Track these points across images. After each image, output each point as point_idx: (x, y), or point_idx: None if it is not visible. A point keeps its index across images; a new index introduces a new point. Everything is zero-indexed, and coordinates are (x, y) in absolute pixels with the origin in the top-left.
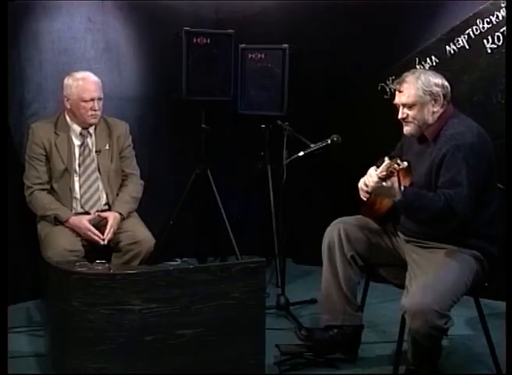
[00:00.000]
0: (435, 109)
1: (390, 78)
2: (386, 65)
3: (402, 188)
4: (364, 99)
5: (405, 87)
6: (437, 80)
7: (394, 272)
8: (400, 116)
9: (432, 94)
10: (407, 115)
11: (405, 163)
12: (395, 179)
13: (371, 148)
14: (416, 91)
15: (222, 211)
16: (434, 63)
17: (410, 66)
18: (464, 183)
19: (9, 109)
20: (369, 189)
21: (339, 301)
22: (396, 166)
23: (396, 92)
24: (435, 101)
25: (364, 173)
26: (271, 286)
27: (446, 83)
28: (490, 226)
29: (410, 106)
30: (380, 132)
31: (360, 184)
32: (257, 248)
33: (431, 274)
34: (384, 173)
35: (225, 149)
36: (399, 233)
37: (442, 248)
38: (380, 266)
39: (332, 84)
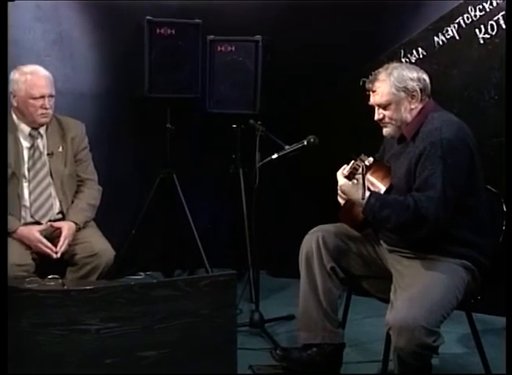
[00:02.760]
0: (413, 106)
1: (373, 73)
2: (368, 58)
3: (367, 194)
4: (344, 96)
5: (377, 85)
6: (412, 73)
7: (378, 284)
8: (376, 118)
9: (406, 90)
10: (384, 115)
11: (370, 159)
12: (360, 178)
13: (352, 150)
14: (389, 88)
15: (190, 219)
16: (421, 56)
17: (394, 60)
18: (437, 185)
19: None
20: (339, 190)
21: (319, 316)
22: (359, 162)
23: (370, 92)
24: (412, 97)
25: None
26: (244, 301)
27: (424, 76)
28: (479, 234)
29: (385, 106)
30: (362, 132)
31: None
32: (228, 259)
33: (417, 286)
34: (349, 171)
35: (193, 151)
36: (381, 241)
37: (429, 258)
38: (363, 278)
39: (310, 80)
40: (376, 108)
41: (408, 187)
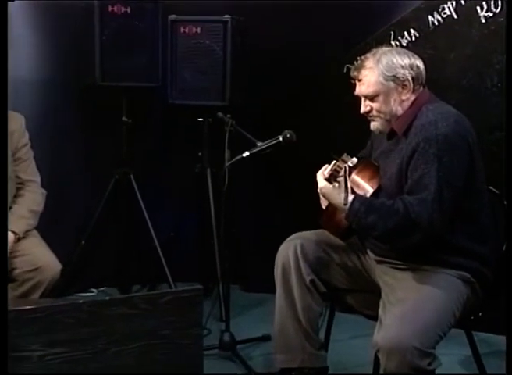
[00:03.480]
0: (404, 97)
1: (359, 59)
2: (354, 42)
3: (350, 198)
4: (327, 85)
5: (364, 74)
6: (403, 60)
7: (365, 299)
8: (362, 110)
9: (396, 79)
10: (371, 108)
11: (354, 159)
12: (342, 181)
13: (335, 147)
14: (377, 77)
15: (150, 226)
16: (413, 38)
17: (384, 43)
18: (431, 186)
19: None
20: (320, 193)
21: (297, 337)
22: (340, 163)
23: (356, 81)
24: (403, 87)
25: None
26: (212, 320)
27: (417, 63)
28: (480, 241)
29: (372, 97)
30: (347, 126)
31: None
32: (194, 272)
33: (409, 302)
34: (329, 173)
35: (153, 148)
36: (368, 251)
37: (423, 270)
38: (347, 293)
39: (287, 67)
40: (362, 99)
41: (400, 188)
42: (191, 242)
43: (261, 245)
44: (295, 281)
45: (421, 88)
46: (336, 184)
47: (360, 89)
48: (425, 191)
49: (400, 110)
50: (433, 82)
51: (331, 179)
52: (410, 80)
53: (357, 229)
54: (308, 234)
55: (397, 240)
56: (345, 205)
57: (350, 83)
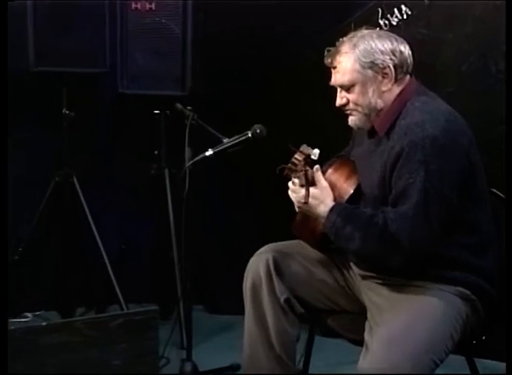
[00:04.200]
0: (385, 88)
1: (341, 40)
2: (336, 21)
3: (330, 204)
4: (304, 72)
5: (339, 60)
6: (383, 44)
7: (348, 321)
8: (337, 103)
9: (375, 66)
10: (347, 100)
11: (316, 151)
12: (302, 177)
13: (314, 144)
14: (352, 64)
15: (98, 238)
16: (405, 16)
17: (370, 22)
18: (413, 198)
19: None
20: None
21: (270, 365)
22: (298, 155)
23: (331, 69)
24: (384, 75)
25: None
26: (171, 347)
27: (401, 47)
28: (481, 253)
29: (348, 88)
30: (328, 121)
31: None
32: (150, 292)
33: (399, 323)
34: (286, 168)
35: (100, 146)
36: (352, 265)
37: (415, 286)
38: (328, 314)
39: (257, 51)
40: (338, 90)
41: (382, 197)
42: (146, 256)
43: (229, 259)
44: (267, 301)
45: (407, 78)
46: (296, 181)
47: (335, 78)
48: (407, 204)
49: (380, 103)
50: (428, 68)
51: (288, 175)
52: (392, 68)
53: (334, 241)
54: (282, 246)
55: (374, 259)
56: (305, 203)
57: (331, 72)
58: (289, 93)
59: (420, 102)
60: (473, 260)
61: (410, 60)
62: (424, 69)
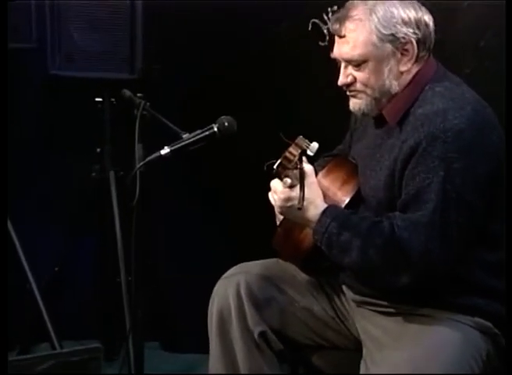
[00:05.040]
0: (405, 68)
1: (330, 10)
2: None
3: (321, 206)
4: (283, 50)
5: (349, 28)
6: (407, 12)
7: (339, 360)
8: (341, 81)
9: (396, 40)
10: (354, 79)
11: (314, 144)
12: (296, 175)
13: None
14: (367, 35)
15: (22, 257)
16: None
17: None
18: (430, 203)
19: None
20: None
21: None
22: (293, 148)
23: (336, 38)
24: (404, 52)
25: None
26: None
27: (426, 18)
28: (497, 274)
29: (358, 64)
30: (314, 108)
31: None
32: (91, 325)
33: (402, 363)
34: (278, 164)
35: (26, 142)
36: (344, 288)
37: (422, 315)
38: (313, 350)
39: (225, 24)
40: (343, 64)
41: (389, 202)
42: (86, 281)
43: (191, 283)
44: (238, 334)
45: (427, 57)
46: (288, 180)
47: (341, 49)
48: (421, 210)
49: (395, 86)
50: (438, 44)
51: (280, 173)
52: (415, 44)
53: (327, 253)
54: (257, 266)
55: (375, 277)
56: (299, 209)
57: (317, 49)
58: (264, 77)
59: (441, 87)
60: (496, 283)
61: (433, 35)
62: (434, 46)
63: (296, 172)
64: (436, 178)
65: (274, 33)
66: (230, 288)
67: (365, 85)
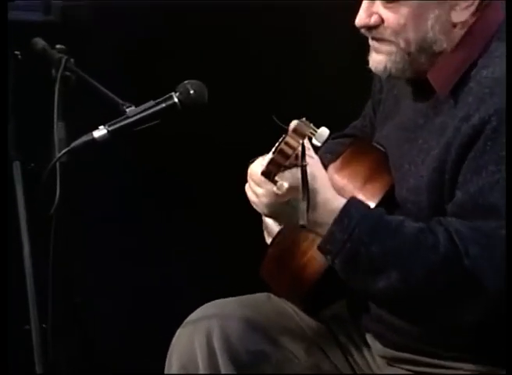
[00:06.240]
0: (459, 18)
1: None
2: None
3: (336, 201)
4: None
5: None
6: None
7: None
8: (360, 20)
9: None
10: (381, 20)
11: (324, 131)
12: (298, 172)
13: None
14: None
15: None
16: None
17: None
18: (503, 209)
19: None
20: (255, 205)
21: None
22: (294, 135)
23: None
24: None
25: None
26: None
27: None
28: None
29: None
30: (314, 79)
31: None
32: None
33: None
34: (272, 157)
35: None
36: (368, 337)
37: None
38: None
39: None
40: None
41: (437, 207)
42: None
43: (135, 327)
44: None
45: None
46: (285, 185)
47: None
48: (494, 216)
49: (441, 42)
50: None
51: (273, 170)
52: None
53: (344, 275)
54: (235, 305)
55: (428, 311)
56: (303, 227)
57: None
58: (243, 29)
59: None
60: None
61: None
62: None
63: (297, 171)
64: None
65: None
66: (197, 338)
67: (397, 33)
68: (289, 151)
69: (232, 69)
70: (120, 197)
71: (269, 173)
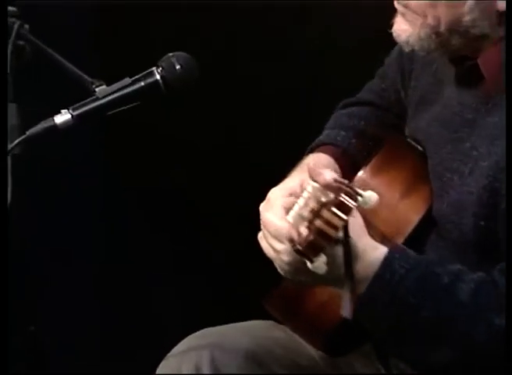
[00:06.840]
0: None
1: None
2: None
3: (381, 251)
4: None
5: None
6: None
7: None
8: None
9: None
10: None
11: (373, 195)
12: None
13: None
14: None
15: None
16: None
17: None
18: None
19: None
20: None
21: None
22: (329, 213)
23: None
24: None
25: None
26: None
27: None
28: None
29: None
30: (324, 77)
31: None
32: None
33: None
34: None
35: None
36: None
37: None
38: None
39: None
40: None
41: (484, 236)
42: None
43: (117, 361)
44: None
45: None
46: (323, 264)
47: None
48: None
49: (483, 28)
50: None
51: (309, 254)
52: None
53: (372, 327)
54: (231, 333)
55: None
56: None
57: None
58: (243, 28)
59: None
60: None
61: None
62: None
63: (339, 248)
64: None
65: None
66: (186, 369)
67: (426, 5)
68: (332, 233)
69: (232, 69)
70: (87, 202)
71: (305, 254)
